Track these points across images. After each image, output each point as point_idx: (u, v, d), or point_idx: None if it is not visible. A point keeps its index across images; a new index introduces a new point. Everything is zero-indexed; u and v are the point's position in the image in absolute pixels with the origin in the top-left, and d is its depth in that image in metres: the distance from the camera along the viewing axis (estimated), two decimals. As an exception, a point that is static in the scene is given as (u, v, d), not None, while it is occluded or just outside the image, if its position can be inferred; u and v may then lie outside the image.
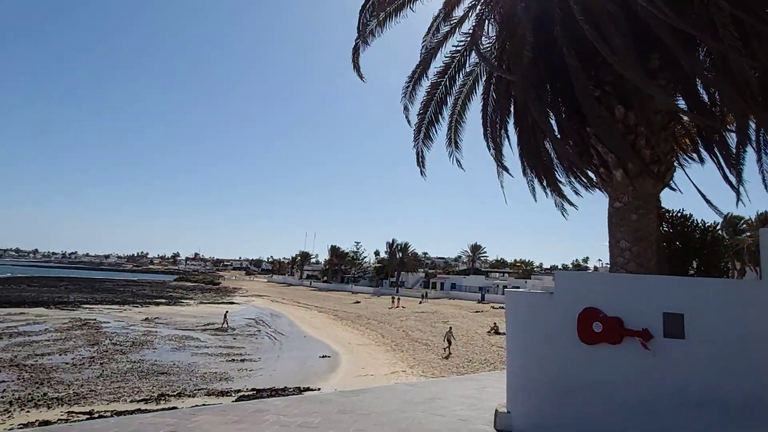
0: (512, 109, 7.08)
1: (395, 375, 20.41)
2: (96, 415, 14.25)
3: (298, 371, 22.37)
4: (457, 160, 8.43)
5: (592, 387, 4.90)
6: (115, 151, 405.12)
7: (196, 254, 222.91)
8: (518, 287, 64.54)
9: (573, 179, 7.53)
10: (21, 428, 12.83)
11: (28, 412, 14.52)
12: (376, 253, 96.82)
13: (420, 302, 54.99)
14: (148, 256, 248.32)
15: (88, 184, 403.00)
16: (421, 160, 7.47)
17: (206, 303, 57.35)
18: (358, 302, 56.12)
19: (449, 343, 24.54)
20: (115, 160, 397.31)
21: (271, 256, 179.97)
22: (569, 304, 4.97)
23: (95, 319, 36.08)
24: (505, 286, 66.55)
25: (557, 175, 7.31)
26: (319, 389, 18.13)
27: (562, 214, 7.71)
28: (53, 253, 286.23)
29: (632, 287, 4.80)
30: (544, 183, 7.25)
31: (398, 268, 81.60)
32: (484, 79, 7.42)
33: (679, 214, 13.71)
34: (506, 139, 7.13)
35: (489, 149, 7.12)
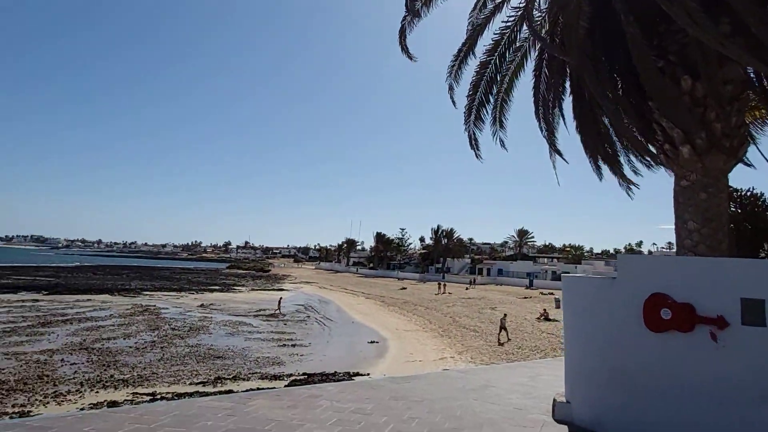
0: (567, 85, 6.70)
1: (443, 361, 20.32)
2: (158, 397, 14.93)
3: (347, 356, 22.65)
4: (501, 140, 8.09)
5: (660, 377, 4.60)
6: (167, 141, 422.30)
7: (247, 242, 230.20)
8: (568, 273, 62.81)
9: (634, 157, 7.06)
10: (91, 407, 13.62)
11: (97, 392, 15.37)
12: (421, 240, 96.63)
13: (467, 288, 54.50)
14: (202, 245, 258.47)
15: (147, 177, 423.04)
16: (474, 143, 7.19)
17: (257, 290, 59.02)
18: (404, 288, 56.24)
19: (504, 330, 24.10)
20: (168, 148, 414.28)
21: (318, 244, 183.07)
22: (634, 290, 4.66)
23: (155, 306, 37.81)
24: (554, 272, 64.92)
25: (617, 154, 6.85)
26: (368, 375, 18.27)
27: (628, 194, 7.26)
28: (115, 243, 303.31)
29: (706, 271, 4.43)
30: (603, 162, 6.83)
31: (444, 254, 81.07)
32: (535, 54, 7.06)
33: (748, 193, 12.75)
34: (560, 118, 6.76)
35: (541, 130, 6.78)
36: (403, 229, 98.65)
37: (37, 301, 37.34)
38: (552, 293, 46.79)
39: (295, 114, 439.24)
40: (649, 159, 7.47)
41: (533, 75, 6.96)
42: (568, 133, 7.19)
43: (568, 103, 6.77)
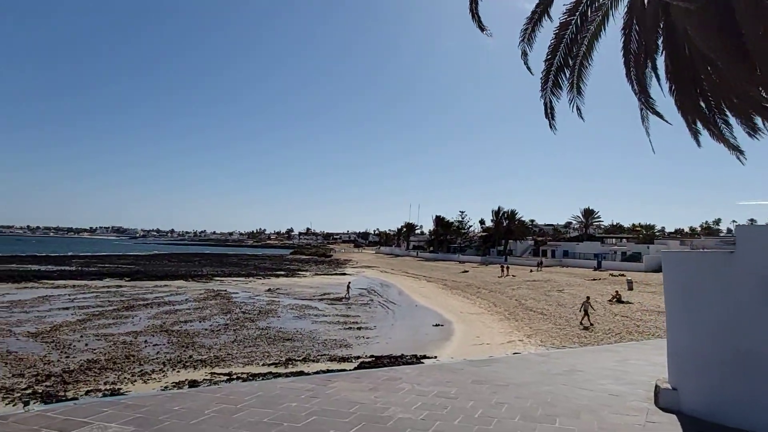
0: (660, 43, 6.02)
1: (512, 344, 19.77)
2: (234, 377, 15.46)
3: (412, 339, 22.57)
4: (578, 108, 7.46)
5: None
6: (232, 133, 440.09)
7: (308, 229, 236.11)
8: (640, 253, 59.48)
9: (737, 122, 6.26)
10: (174, 386, 14.32)
11: (178, 371, 16.13)
12: (481, 222, 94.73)
13: (531, 271, 53.00)
14: (266, 232, 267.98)
15: (215, 169, 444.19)
16: (549, 112, 6.66)
17: (321, 274, 60.28)
18: (466, 271, 55.51)
19: (586, 314, 22.64)
20: (232, 140, 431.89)
21: (377, 229, 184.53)
22: (758, 265, 4.10)
23: (226, 290, 39.40)
24: (623, 253, 61.68)
25: (725, 115, 6.08)
26: (435, 357, 18.08)
27: (738, 159, 6.46)
28: (186, 232, 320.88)
29: None
30: (703, 127, 6.10)
31: (505, 237, 79.14)
32: (624, 11, 6.39)
33: None
34: (653, 77, 6.09)
35: (634, 92, 6.11)
36: (462, 212, 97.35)
37: (120, 286, 39.97)
38: (623, 275, 44.41)
39: (351, 101, 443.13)
40: (753, 124, 6.62)
41: (622, 33, 6.30)
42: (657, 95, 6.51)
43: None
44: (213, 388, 5.35)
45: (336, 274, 61.77)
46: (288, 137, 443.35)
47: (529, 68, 7.23)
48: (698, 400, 4.54)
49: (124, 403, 4.72)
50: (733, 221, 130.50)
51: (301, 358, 18.37)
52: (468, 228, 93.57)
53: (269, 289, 41.33)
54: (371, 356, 18.44)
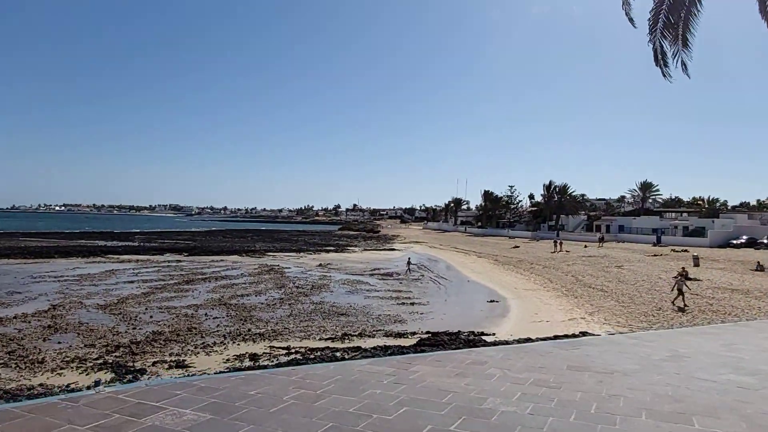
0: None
1: (574, 322, 18.84)
2: (293, 351, 15.43)
3: (467, 315, 22.02)
4: (683, 63, 6.48)
5: None
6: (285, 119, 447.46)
7: (355, 205, 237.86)
8: (704, 228, 55.79)
9: None
10: (235, 358, 14.43)
11: (238, 344, 16.28)
12: (531, 197, 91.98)
13: (585, 246, 50.88)
14: (314, 209, 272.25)
15: (265, 148, 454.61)
16: (661, 58, 5.74)
17: (369, 250, 60.37)
18: (517, 247, 54.03)
19: (681, 293, 20.00)
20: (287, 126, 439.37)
21: (423, 204, 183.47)
22: None
23: (278, 265, 40.01)
24: (685, 227, 58.13)
25: None
26: (494, 334, 17.49)
27: None
28: (238, 209, 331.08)
29: None
30: None
31: (557, 211, 76.34)
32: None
33: None
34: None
35: None
36: (511, 187, 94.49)
37: (179, 261, 41.34)
38: (686, 250, 41.80)
39: (407, 83, 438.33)
40: None
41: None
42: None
43: None
44: (287, 369, 4.96)
45: (384, 249, 61.69)
46: (336, 116, 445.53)
47: (631, 19, 6.31)
48: None
49: (197, 385, 4.38)
50: None
51: (356, 333, 18.19)
52: (517, 203, 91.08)
53: (320, 264, 41.65)
54: (427, 332, 18.02)
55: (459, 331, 18.05)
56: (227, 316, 20.41)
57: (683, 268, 28.20)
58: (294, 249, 57.83)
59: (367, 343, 16.41)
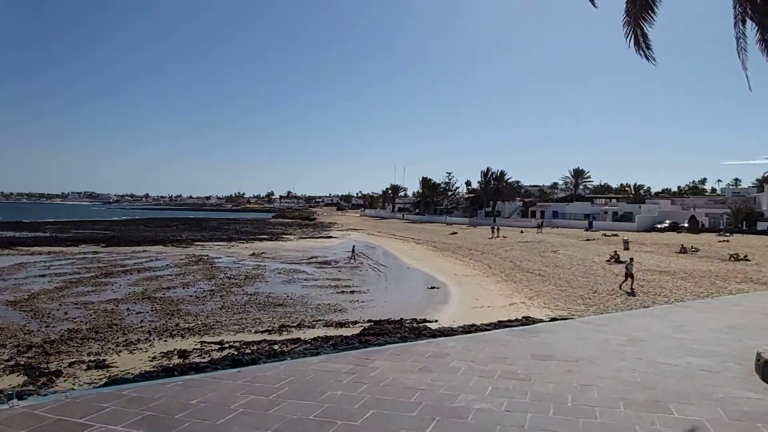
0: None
1: (514, 307, 19.23)
2: (227, 345, 14.55)
3: (409, 303, 21.94)
4: (644, 48, 6.33)
5: None
6: (204, 96, 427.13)
7: (289, 192, 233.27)
8: (631, 213, 59.62)
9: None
10: (162, 356, 13.39)
11: (165, 341, 15.15)
12: (467, 184, 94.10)
13: (521, 232, 52.72)
14: (245, 196, 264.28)
15: (191, 132, 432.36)
16: (642, 40, 5.47)
17: (306, 238, 59.24)
18: (455, 233, 55.01)
19: (631, 277, 20.60)
20: (208, 103, 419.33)
21: (360, 192, 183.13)
22: None
23: (208, 255, 38.13)
24: (614, 213, 61.86)
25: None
26: (436, 321, 17.48)
27: None
28: (161, 197, 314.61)
29: None
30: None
31: (494, 198, 78.63)
32: None
33: None
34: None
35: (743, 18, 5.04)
36: (449, 174, 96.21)
37: (96, 253, 38.33)
38: (616, 235, 44.42)
39: (334, 62, 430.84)
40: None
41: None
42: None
43: None
44: (232, 372, 4.35)
45: (321, 237, 60.81)
46: (265, 99, 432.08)
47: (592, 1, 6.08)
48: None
49: (126, 395, 3.69)
50: (719, 180, 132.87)
51: (295, 324, 17.54)
52: (455, 190, 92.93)
53: (254, 254, 40.23)
54: (369, 321, 17.70)
55: (402, 319, 17.87)
56: (152, 310, 19.02)
57: (615, 251, 29.76)
58: (224, 238, 55.57)
59: (307, 335, 15.83)
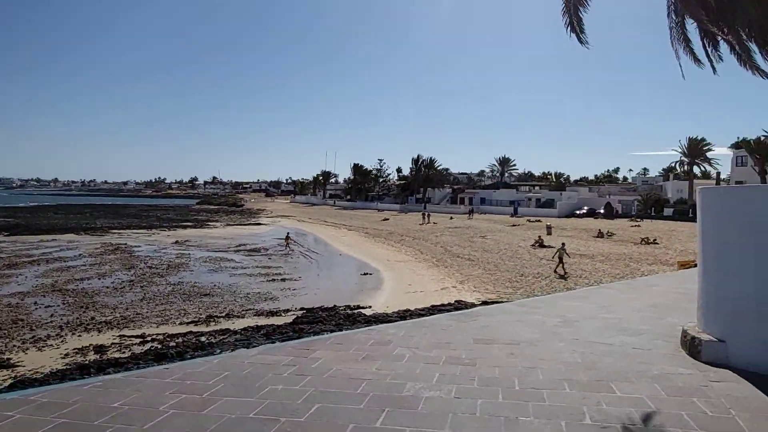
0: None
1: (446, 291, 19.65)
2: (149, 338, 13.73)
3: (342, 289, 21.83)
4: (578, 32, 6.42)
5: None
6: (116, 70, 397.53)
7: (215, 178, 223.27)
8: (553, 200, 62.91)
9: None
10: (76, 352, 12.39)
11: (80, 336, 14.08)
12: (398, 171, 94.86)
13: (451, 218, 54.00)
14: (166, 181, 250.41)
15: (105, 111, 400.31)
16: (577, 24, 5.48)
17: (233, 225, 57.25)
18: (386, 219, 55.39)
19: (561, 262, 21.23)
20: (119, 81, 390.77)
21: (290, 177, 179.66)
22: None
23: (126, 244, 35.96)
24: (538, 200, 64.94)
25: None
26: (370, 307, 17.50)
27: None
28: (72, 182, 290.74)
29: None
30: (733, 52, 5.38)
31: (424, 185, 79.85)
32: None
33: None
34: None
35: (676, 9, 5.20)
36: (381, 160, 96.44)
37: (-1, 242, 34.88)
38: (539, 220, 46.71)
39: (265, 44, 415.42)
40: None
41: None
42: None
43: None
44: (158, 369, 3.94)
45: (250, 224, 59.02)
46: (186, 81, 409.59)
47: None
48: (754, 355, 3.97)
49: (35, 400, 3.21)
50: (630, 170, 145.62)
51: (223, 314, 16.92)
52: (386, 176, 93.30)
53: (177, 242, 38.37)
54: (302, 308, 17.40)
55: (335, 306, 17.68)
56: (64, 303, 17.56)
57: (540, 236, 31.16)
58: (144, 225, 52.51)
59: (237, 325, 15.28)
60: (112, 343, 13.32)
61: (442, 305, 15.20)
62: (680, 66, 5.31)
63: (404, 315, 13.47)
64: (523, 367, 4.14)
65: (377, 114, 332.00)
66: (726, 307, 4.22)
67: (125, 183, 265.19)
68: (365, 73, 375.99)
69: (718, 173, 63.12)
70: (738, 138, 57.72)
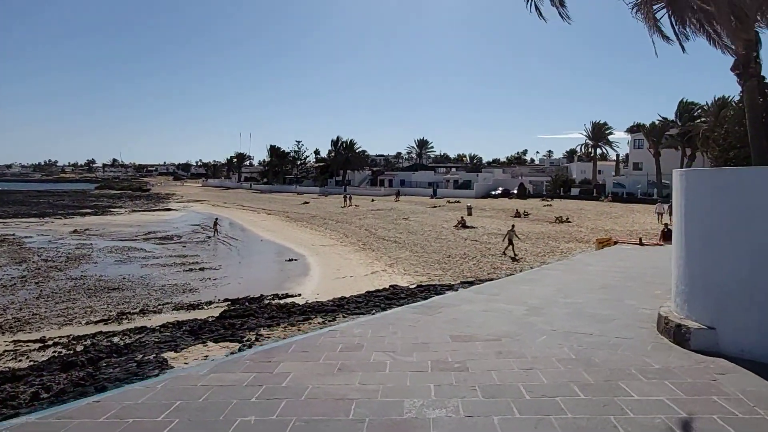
0: None
1: (377, 275, 19.29)
2: (51, 343, 12.02)
3: (267, 277, 20.79)
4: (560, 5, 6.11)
5: None
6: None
7: (115, 160, 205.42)
8: (470, 181, 64.74)
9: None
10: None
11: (-38, 343, 12.02)
12: (316, 153, 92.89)
13: (373, 200, 53.82)
14: (58, 164, 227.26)
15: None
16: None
17: (140, 211, 53.00)
18: (307, 203, 54.01)
19: (511, 243, 20.95)
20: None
21: (200, 160, 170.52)
22: None
23: (14, 234, 31.98)
24: (455, 181, 66.52)
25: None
26: (299, 295, 16.71)
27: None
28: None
29: None
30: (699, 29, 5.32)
31: (344, 167, 78.84)
32: None
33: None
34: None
35: None
36: (299, 142, 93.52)
37: None
38: (458, 201, 47.76)
39: (173, 18, 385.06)
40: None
41: None
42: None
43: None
44: (86, 405, 3.05)
45: (159, 209, 54.98)
46: (83, 53, 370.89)
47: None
48: (746, 342, 3.89)
49: None
50: (537, 152, 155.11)
51: (137, 310, 15.35)
52: (305, 159, 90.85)
53: (75, 231, 34.75)
54: (226, 300, 16.21)
55: (262, 295, 16.68)
56: (-66, 308, 15.01)
57: (462, 217, 31.61)
58: (35, 213, 47.12)
59: (154, 321, 13.85)
60: (5, 351, 11.49)
61: (377, 291, 14.74)
62: (653, 44, 5.15)
63: (341, 303, 12.85)
64: (520, 370, 3.75)
65: (294, 94, 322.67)
66: (715, 292, 4.11)
67: (8, 166, 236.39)
68: (282, 55, 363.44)
69: (622, 155, 68.50)
70: (633, 123, 62.92)
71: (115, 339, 12.15)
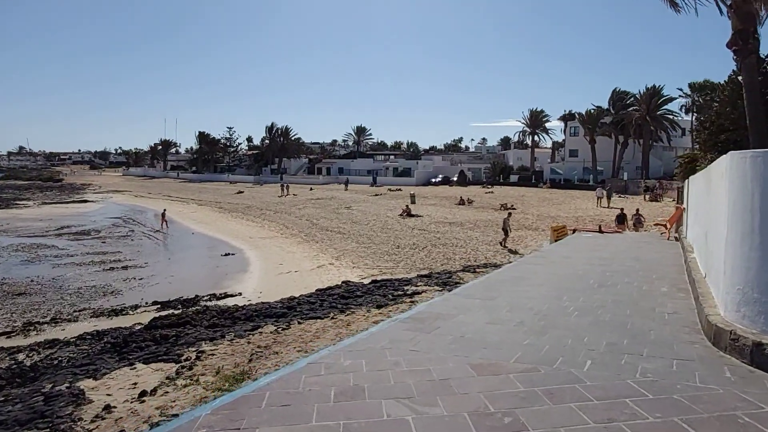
0: None
1: (324, 269, 18.03)
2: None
3: (202, 275, 19.04)
4: None
5: None
6: None
7: (22, 147, 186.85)
8: (410, 168, 64.26)
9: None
10: None
11: None
12: (249, 140, 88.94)
13: (311, 189, 52.05)
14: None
15: None
16: None
17: (52, 203, 48.02)
18: (241, 192, 51.17)
19: (507, 234, 20.12)
20: None
21: (120, 147, 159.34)
22: None
23: None
24: (395, 168, 65.81)
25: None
26: (240, 294, 15.24)
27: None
28: None
29: None
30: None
31: (280, 154, 75.74)
32: None
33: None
34: None
35: None
36: (230, 128, 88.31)
37: None
38: (400, 189, 47.10)
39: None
40: None
41: None
42: None
43: None
44: None
45: (73, 201, 50.16)
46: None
47: None
48: None
49: None
50: (472, 140, 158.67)
51: (48, 320, 13.33)
52: (236, 146, 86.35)
53: (-28, 227, 30.61)
54: (155, 302, 14.38)
55: (197, 296, 14.99)
56: None
57: (407, 206, 30.80)
58: None
59: (69, 332, 11.92)
60: None
61: (330, 288, 13.48)
62: None
63: (291, 305, 11.48)
64: (595, 423, 2.72)
65: (221, 76, 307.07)
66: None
67: None
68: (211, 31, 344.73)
69: (559, 142, 70.44)
70: (565, 111, 65.03)
71: (20, 356, 10.16)
